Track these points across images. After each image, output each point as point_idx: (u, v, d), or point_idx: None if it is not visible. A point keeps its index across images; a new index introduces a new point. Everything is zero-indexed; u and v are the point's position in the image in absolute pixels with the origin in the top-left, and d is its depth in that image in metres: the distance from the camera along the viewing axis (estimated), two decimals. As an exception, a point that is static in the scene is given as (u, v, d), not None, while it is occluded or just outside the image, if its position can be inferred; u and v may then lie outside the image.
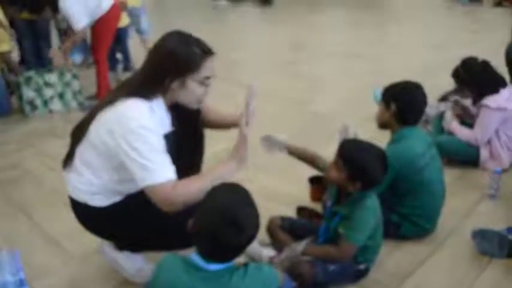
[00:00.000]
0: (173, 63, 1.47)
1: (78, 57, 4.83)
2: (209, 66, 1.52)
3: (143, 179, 1.41)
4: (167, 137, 1.51)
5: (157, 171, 1.40)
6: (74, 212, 1.69)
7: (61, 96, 3.90)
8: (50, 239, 2.18)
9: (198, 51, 1.49)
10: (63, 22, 4.01)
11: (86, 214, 1.65)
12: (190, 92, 1.52)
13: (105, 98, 1.60)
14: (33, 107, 3.82)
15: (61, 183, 2.53)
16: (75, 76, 3.95)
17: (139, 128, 1.41)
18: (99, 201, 1.59)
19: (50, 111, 3.89)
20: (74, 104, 3.96)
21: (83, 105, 3.93)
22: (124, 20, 5.05)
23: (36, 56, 4.45)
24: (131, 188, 1.55)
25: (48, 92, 3.83)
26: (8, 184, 2.74)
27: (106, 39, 3.84)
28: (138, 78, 1.54)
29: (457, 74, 2.64)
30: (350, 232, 1.65)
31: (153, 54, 1.53)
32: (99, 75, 3.87)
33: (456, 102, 2.75)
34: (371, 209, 1.67)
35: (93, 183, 1.57)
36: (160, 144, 1.46)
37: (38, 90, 3.79)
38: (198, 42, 1.51)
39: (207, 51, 1.51)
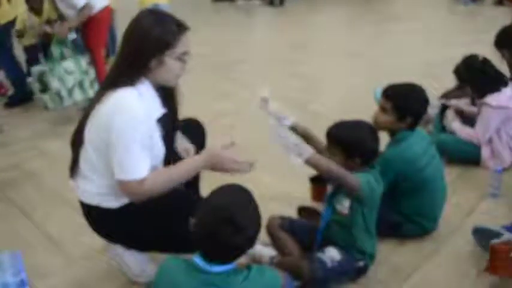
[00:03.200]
0: (151, 42, 1.47)
1: None
2: (185, 42, 1.52)
3: (117, 172, 1.47)
4: (160, 120, 1.53)
5: (130, 167, 1.46)
6: (86, 218, 1.68)
7: (80, 84, 3.75)
8: (51, 239, 2.18)
9: (173, 28, 1.49)
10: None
11: (99, 217, 1.64)
12: (168, 69, 1.52)
13: (94, 96, 1.60)
14: (60, 98, 3.66)
15: (62, 184, 2.55)
16: (90, 63, 3.78)
17: (129, 119, 1.44)
18: (111, 202, 1.59)
19: (75, 104, 3.73)
20: (91, 92, 3.76)
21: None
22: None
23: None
24: None
25: (69, 81, 3.68)
26: (9, 185, 2.74)
27: (100, 38, 3.75)
28: (118, 66, 1.53)
29: (458, 72, 2.65)
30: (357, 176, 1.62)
31: (129, 37, 1.52)
32: (99, 72, 3.73)
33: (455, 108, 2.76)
34: (374, 176, 1.66)
35: (102, 184, 1.58)
36: (147, 136, 1.48)
37: (61, 79, 3.64)
38: (172, 19, 1.52)
39: (182, 27, 1.52)
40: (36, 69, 3.65)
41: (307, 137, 1.91)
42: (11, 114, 3.92)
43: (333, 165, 1.58)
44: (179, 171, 1.56)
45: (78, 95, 3.73)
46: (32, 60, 4.12)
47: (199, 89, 3.99)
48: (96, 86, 3.80)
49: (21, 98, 4.05)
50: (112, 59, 5.27)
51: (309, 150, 1.56)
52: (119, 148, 1.45)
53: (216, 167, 1.57)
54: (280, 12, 8.98)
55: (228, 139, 1.68)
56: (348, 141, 1.65)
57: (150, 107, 1.52)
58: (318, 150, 1.87)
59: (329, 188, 1.81)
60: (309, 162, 1.55)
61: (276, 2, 9.53)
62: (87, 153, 1.56)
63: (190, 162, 1.60)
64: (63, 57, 3.62)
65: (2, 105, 4.16)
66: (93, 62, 3.77)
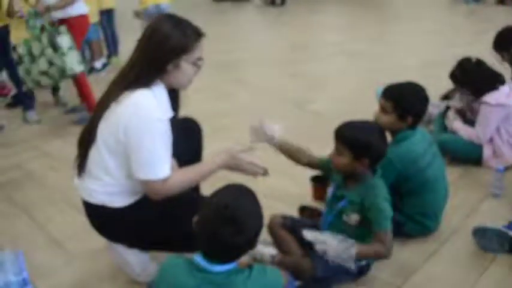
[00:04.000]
0: (170, 46, 1.50)
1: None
2: (201, 47, 1.57)
3: (141, 172, 1.49)
4: (170, 121, 1.55)
5: (156, 167, 1.48)
6: (89, 217, 1.68)
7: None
8: (52, 239, 2.18)
9: (191, 34, 1.54)
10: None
11: (103, 217, 1.64)
12: (183, 73, 1.56)
13: (105, 95, 1.60)
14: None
15: (63, 183, 2.56)
16: None
17: (152, 120, 1.46)
18: (118, 202, 1.59)
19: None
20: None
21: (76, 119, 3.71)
22: (111, 2, 5.10)
23: None
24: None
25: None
26: (10, 185, 2.75)
27: (79, 44, 3.66)
28: (135, 67, 1.54)
29: (454, 76, 2.67)
30: (377, 222, 1.63)
31: (148, 40, 1.54)
32: (81, 86, 3.61)
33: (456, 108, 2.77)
34: (384, 194, 1.68)
35: (110, 184, 1.58)
36: (167, 135, 1.51)
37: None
38: (190, 25, 1.56)
39: (199, 33, 1.56)
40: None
41: (294, 150, 1.95)
42: (13, 115, 3.93)
43: (377, 247, 1.63)
44: (200, 171, 1.61)
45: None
46: None
47: (200, 88, 3.99)
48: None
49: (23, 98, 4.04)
50: (115, 59, 5.28)
51: (352, 244, 1.59)
52: (142, 149, 1.47)
53: (233, 168, 1.64)
54: (281, 12, 8.99)
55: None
56: (358, 143, 1.64)
57: (164, 108, 1.55)
58: (308, 159, 1.93)
59: (329, 190, 1.81)
60: (358, 256, 1.60)
61: (277, 1, 9.55)
62: (99, 152, 1.55)
63: (209, 163, 1.63)
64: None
65: (4, 106, 4.17)
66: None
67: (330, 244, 1.59)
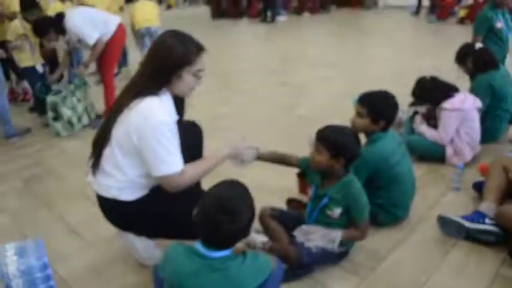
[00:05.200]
0: (173, 59, 1.50)
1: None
2: (201, 61, 1.57)
3: (159, 169, 1.49)
4: (176, 124, 1.54)
5: (172, 163, 1.49)
6: (102, 209, 1.67)
7: (86, 109, 3.63)
8: (69, 227, 2.16)
9: (193, 48, 1.53)
10: (68, 44, 3.55)
11: (115, 209, 1.63)
12: (185, 83, 1.56)
13: (117, 101, 1.59)
14: (71, 125, 3.45)
15: (79, 179, 2.52)
16: (99, 82, 3.71)
17: (161, 124, 1.46)
18: (128, 195, 1.58)
19: (83, 127, 3.53)
20: (93, 115, 3.70)
21: (93, 123, 3.62)
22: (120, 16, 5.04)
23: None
24: (156, 181, 1.57)
25: (80, 108, 3.54)
26: (32, 180, 2.72)
27: (113, 61, 3.63)
28: (143, 78, 1.54)
29: (415, 94, 2.72)
30: (360, 214, 1.69)
31: (154, 53, 1.54)
32: (107, 96, 3.58)
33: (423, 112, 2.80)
34: (361, 190, 1.71)
35: (122, 180, 1.57)
36: (176, 136, 1.51)
37: (73, 108, 3.48)
38: (192, 40, 1.56)
39: (200, 48, 1.56)
40: (49, 99, 3.35)
41: (280, 158, 1.93)
42: (35, 117, 3.89)
43: (356, 233, 1.72)
44: (210, 162, 1.63)
45: (85, 120, 3.60)
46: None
47: (202, 94, 3.98)
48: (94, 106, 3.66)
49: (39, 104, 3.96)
50: (124, 70, 5.23)
51: (337, 234, 1.67)
52: (156, 150, 1.46)
53: (234, 156, 1.73)
54: (272, 29, 8.99)
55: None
56: (336, 143, 1.65)
57: (170, 113, 1.54)
58: (292, 162, 1.93)
59: (311, 190, 1.81)
60: (344, 240, 1.69)
61: (268, 19, 9.54)
62: (113, 152, 1.54)
63: (216, 157, 1.66)
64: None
65: (27, 110, 4.12)
66: (103, 82, 3.60)
67: (316, 239, 1.66)
